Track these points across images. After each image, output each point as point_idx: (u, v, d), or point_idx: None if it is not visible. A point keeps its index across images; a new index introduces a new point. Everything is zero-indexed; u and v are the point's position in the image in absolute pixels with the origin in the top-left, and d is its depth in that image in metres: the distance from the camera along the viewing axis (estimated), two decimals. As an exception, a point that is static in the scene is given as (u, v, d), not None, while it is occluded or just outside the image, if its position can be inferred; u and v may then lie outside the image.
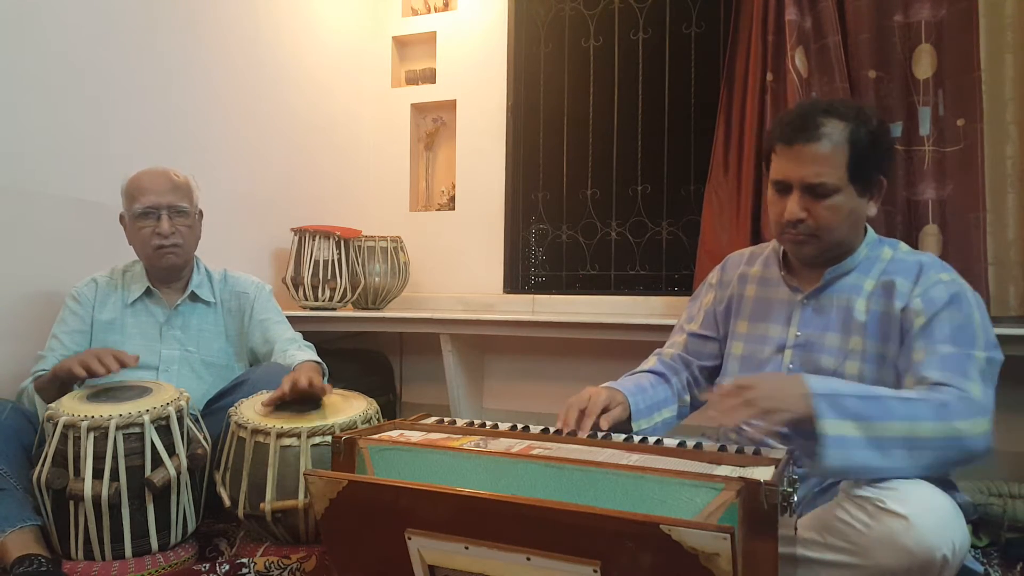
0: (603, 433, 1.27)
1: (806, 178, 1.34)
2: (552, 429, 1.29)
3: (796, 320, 1.44)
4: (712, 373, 1.59)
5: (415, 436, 1.23)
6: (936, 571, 1.08)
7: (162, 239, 1.84)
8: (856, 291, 1.40)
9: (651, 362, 1.62)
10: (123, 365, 1.64)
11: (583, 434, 1.29)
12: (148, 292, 1.93)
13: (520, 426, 1.30)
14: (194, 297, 1.97)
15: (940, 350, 1.27)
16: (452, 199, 3.27)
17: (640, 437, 1.25)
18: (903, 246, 1.46)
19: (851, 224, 1.38)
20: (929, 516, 1.09)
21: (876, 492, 1.13)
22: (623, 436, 1.27)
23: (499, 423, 1.33)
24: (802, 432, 1.18)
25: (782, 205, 1.38)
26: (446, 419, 1.37)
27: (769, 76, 2.45)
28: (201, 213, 1.97)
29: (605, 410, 1.37)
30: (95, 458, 1.46)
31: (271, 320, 2.02)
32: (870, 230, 1.45)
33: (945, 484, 1.33)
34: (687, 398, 1.58)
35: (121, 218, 1.90)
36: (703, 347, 1.60)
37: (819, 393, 1.17)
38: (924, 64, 2.33)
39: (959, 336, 1.28)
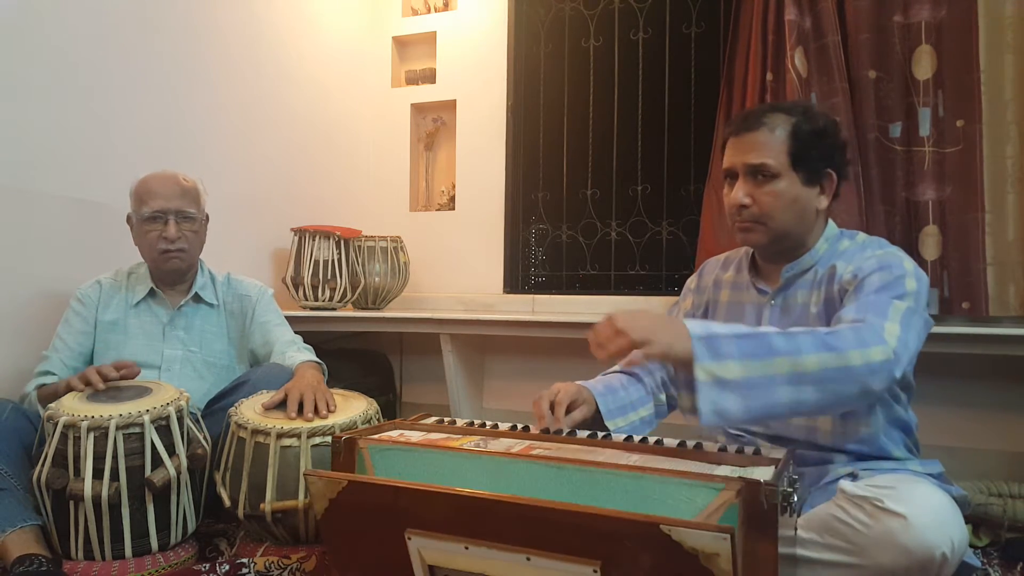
0: (603, 433, 1.27)
1: (747, 160, 1.39)
2: (552, 429, 1.30)
3: (765, 321, 1.46)
4: None
5: (415, 436, 1.23)
6: (935, 569, 1.09)
7: (168, 244, 1.85)
8: (815, 286, 1.42)
9: (624, 361, 1.61)
10: (124, 377, 1.66)
11: (557, 425, 1.32)
12: (152, 293, 1.94)
13: (520, 426, 1.30)
14: (197, 298, 1.97)
15: (861, 299, 1.27)
16: (452, 199, 3.27)
17: (640, 437, 1.25)
18: (860, 236, 1.47)
19: (797, 213, 1.40)
20: (927, 515, 1.10)
21: (874, 491, 1.13)
22: (623, 436, 1.27)
23: (499, 423, 1.33)
24: (682, 378, 1.14)
25: (731, 194, 1.43)
26: (446, 419, 1.37)
27: (769, 76, 2.45)
28: (207, 217, 1.97)
29: (571, 406, 1.40)
30: (95, 458, 1.46)
31: (271, 323, 2.03)
32: (831, 224, 1.47)
33: (940, 478, 1.34)
34: (663, 397, 1.58)
35: (128, 219, 1.91)
36: None
37: (698, 335, 1.11)
38: (924, 65, 2.33)
39: (883, 289, 1.27)
